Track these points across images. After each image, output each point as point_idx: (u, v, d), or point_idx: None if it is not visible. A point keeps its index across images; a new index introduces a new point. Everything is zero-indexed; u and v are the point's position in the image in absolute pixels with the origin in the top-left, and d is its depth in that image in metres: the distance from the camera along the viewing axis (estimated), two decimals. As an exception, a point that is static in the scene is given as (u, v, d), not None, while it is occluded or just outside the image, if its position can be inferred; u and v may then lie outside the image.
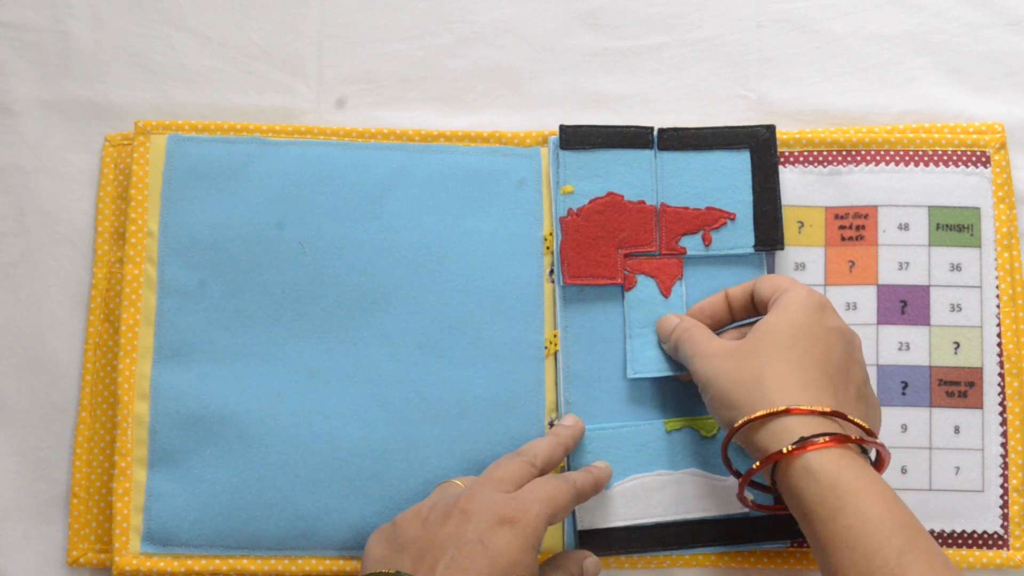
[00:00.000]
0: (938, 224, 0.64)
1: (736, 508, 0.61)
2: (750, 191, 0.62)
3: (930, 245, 0.63)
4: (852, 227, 0.64)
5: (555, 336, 0.62)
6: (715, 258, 0.62)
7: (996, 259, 0.63)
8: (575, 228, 0.62)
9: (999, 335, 0.63)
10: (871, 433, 0.52)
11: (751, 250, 0.62)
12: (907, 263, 0.63)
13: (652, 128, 0.63)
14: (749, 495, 0.57)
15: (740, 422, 0.53)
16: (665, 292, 0.62)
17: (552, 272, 0.63)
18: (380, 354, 0.61)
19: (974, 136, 0.65)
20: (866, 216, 0.64)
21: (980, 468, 0.62)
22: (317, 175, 0.62)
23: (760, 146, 0.63)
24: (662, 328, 0.61)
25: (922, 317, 0.63)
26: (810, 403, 0.52)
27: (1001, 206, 0.64)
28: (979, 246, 0.63)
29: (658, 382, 0.62)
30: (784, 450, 0.51)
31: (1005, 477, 0.62)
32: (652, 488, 0.61)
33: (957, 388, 0.62)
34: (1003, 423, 0.62)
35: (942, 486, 0.62)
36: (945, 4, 0.67)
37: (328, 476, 0.60)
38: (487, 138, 0.64)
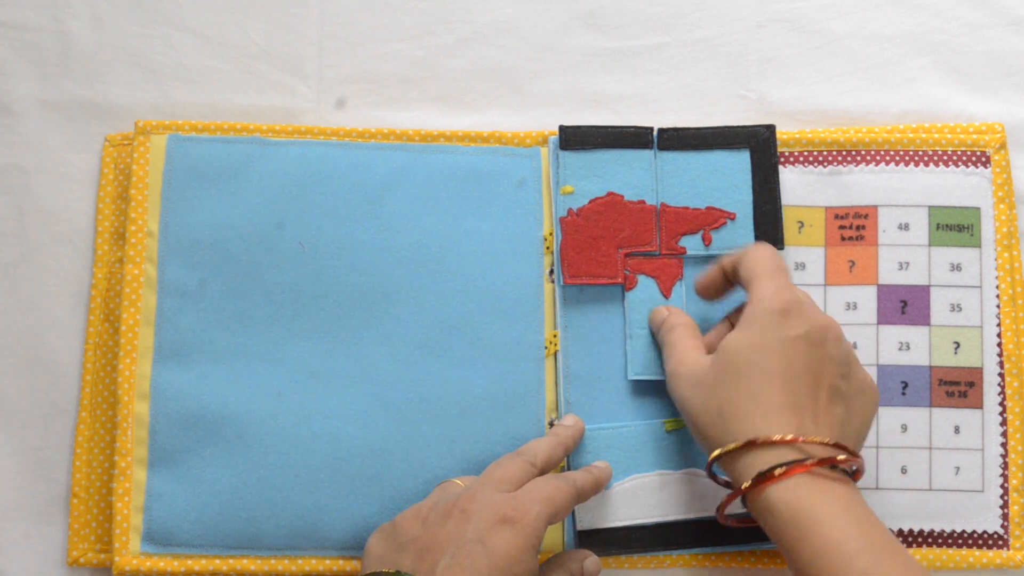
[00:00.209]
0: (938, 224, 0.64)
1: (736, 508, 0.60)
2: (750, 191, 0.62)
3: (930, 245, 0.63)
4: (852, 227, 0.64)
5: (555, 336, 0.62)
6: (715, 258, 0.62)
7: (996, 259, 0.63)
8: (575, 228, 0.62)
9: (999, 335, 0.63)
10: (839, 445, 0.52)
11: (751, 250, 0.62)
12: (907, 263, 0.63)
13: (652, 128, 0.63)
14: (729, 518, 0.57)
15: (711, 458, 0.54)
16: (665, 292, 0.62)
17: (552, 272, 0.63)
18: (380, 354, 0.61)
19: (974, 136, 0.65)
20: (866, 216, 0.64)
21: (980, 468, 0.62)
22: (317, 175, 0.62)
23: (760, 146, 0.63)
24: (652, 320, 0.61)
25: (922, 317, 0.63)
26: (769, 432, 0.52)
27: (1001, 206, 0.64)
28: (979, 246, 0.63)
29: (658, 382, 0.62)
30: (743, 486, 0.52)
31: (1005, 477, 0.62)
32: (652, 488, 0.61)
33: (957, 388, 0.62)
34: (1003, 423, 0.62)
35: (942, 486, 0.62)
36: (945, 4, 0.67)
37: (328, 476, 0.60)
38: (487, 138, 0.64)
